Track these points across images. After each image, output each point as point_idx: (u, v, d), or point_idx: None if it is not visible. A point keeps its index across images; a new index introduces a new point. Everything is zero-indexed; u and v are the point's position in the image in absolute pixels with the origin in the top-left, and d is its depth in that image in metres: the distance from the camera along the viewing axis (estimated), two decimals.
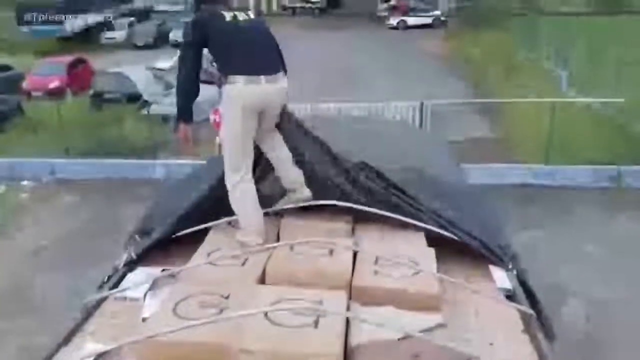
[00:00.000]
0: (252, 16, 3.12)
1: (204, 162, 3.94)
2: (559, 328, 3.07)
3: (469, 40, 25.30)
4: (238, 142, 3.02)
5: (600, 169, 10.90)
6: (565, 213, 9.75)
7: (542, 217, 9.48)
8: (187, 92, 3.09)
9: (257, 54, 3.02)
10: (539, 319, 2.74)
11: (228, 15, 3.02)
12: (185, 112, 3.13)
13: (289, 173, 3.21)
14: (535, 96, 13.49)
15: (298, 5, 44.98)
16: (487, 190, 8.94)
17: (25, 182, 11.94)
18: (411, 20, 34.64)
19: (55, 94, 17.58)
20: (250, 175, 3.08)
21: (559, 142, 11.27)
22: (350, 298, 2.48)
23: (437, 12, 35.37)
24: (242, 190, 3.03)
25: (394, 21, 34.80)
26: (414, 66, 22.54)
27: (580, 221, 9.48)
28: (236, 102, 2.99)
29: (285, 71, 3.16)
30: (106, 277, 2.96)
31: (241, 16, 3.06)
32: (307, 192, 3.18)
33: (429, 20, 34.35)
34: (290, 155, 3.21)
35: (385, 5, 40.44)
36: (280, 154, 3.22)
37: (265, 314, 2.15)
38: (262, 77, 2.98)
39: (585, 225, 9.32)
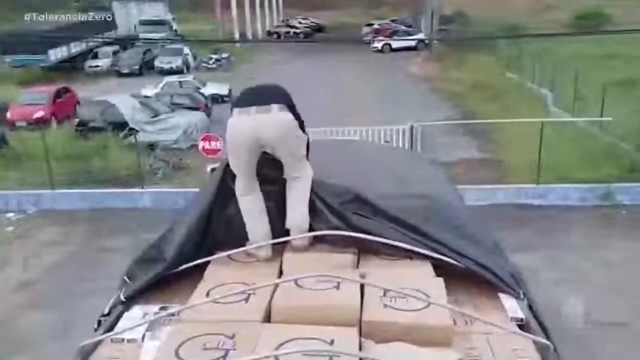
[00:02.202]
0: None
1: (197, 189, 3.79)
2: None
3: (454, 63, 25.61)
4: (232, 167, 3.09)
5: (591, 187, 10.93)
6: (558, 232, 9.74)
7: (534, 237, 9.44)
8: None
9: (254, 91, 3.07)
10: (555, 350, 2.63)
11: None
12: None
13: (294, 213, 3.12)
14: (523, 117, 13.60)
15: (283, 30, 45.41)
16: (479, 211, 8.94)
17: (10, 214, 11.70)
18: (395, 44, 35.02)
19: (40, 124, 17.39)
20: (250, 181, 3.09)
21: (549, 161, 11.31)
22: (360, 334, 2.36)
23: (421, 35, 35.80)
24: (242, 204, 3.11)
25: (378, 44, 35.13)
26: (401, 89, 22.69)
27: (573, 240, 9.47)
28: (228, 134, 3.00)
29: (289, 106, 3.08)
30: (101, 318, 2.82)
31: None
32: (302, 243, 3.09)
33: (412, 43, 34.73)
34: (303, 197, 3.10)
35: (368, 29, 40.95)
36: (291, 192, 3.12)
37: (276, 357, 2.02)
38: (252, 107, 2.98)
39: (578, 244, 9.31)
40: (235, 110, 3.01)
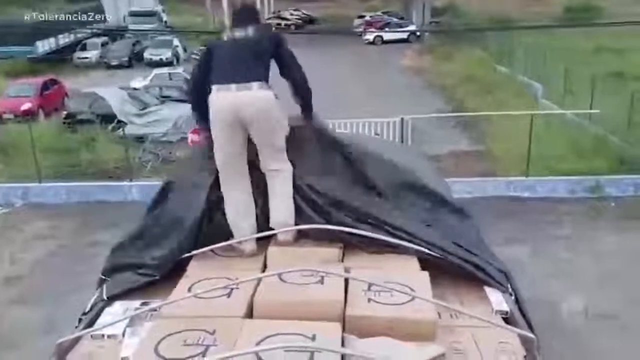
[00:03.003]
0: (250, 33, 3.08)
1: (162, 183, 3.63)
2: None
3: (445, 56, 25.59)
4: (217, 151, 3.04)
5: (580, 179, 10.96)
6: (546, 225, 9.76)
7: (522, 230, 9.45)
8: (193, 105, 3.27)
9: (233, 65, 3.00)
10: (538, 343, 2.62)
11: (227, 36, 3.09)
12: (200, 122, 3.24)
13: (278, 210, 3.06)
14: (513, 109, 13.61)
15: (274, 21, 45.15)
16: (468, 203, 8.93)
17: None
18: (387, 36, 34.95)
19: (28, 116, 17.20)
20: (236, 185, 3.06)
21: (538, 153, 11.33)
22: (344, 329, 2.33)
23: (413, 27, 35.74)
24: (227, 198, 3.06)
25: (370, 36, 35.05)
26: (392, 82, 22.64)
27: (562, 232, 9.50)
28: (211, 112, 3.01)
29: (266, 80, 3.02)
30: (82, 314, 2.78)
31: (238, 33, 3.07)
32: (286, 238, 3.03)
33: (404, 35, 34.67)
34: (286, 190, 3.06)
35: (360, 20, 40.81)
36: (273, 187, 3.08)
37: (256, 353, 2.00)
38: (232, 85, 2.95)
39: (567, 236, 9.34)
40: (215, 87, 2.98)
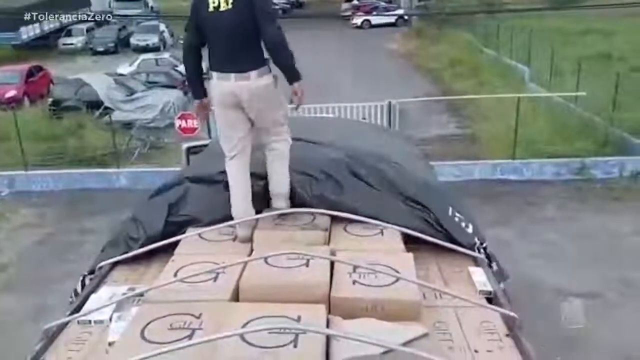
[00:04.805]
0: (233, 4, 2.99)
1: (170, 170, 3.84)
2: None
3: (432, 39, 25.56)
4: (221, 130, 3.22)
5: (566, 161, 11.05)
6: (532, 207, 9.86)
7: (508, 212, 9.54)
8: (189, 74, 3.27)
9: (230, 50, 3.03)
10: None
11: (212, 4, 3.02)
12: (195, 92, 3.30)
13: (276, 180, 3.19)
14: (501, 92, 13.65)
15: None
16: (456, 186, 9.01)
17: None
18: (375, 19, 34.88)
19: (12, 104, 16.99)
20: (237, 162, 3.15)
21: (525, 136, 11.39)
22: (329, 311, 2.37)
23: (400, 11, 35.65)
24: (229, 174, 3.18)
25: (357, 20, 34.95)
26: (380, 66, 22.57)
27: (547, 214, 9.60)
28: (213, 97, 3.15)
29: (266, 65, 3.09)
30: (70, 300, 2.80)
31: (224, 5, 2.99)
32: (281, 205, 3.12)
33: (392, 19, 34.60)
34: (283, 161, 3.20)
35: (348, 5, 40.55)
36: (272, 157, 3.22)
37: (241, 336, 2.02)
38: (232, 74, 3.02)
39: (552, 218, 9.45)
40: (215, 74, 3.08)
